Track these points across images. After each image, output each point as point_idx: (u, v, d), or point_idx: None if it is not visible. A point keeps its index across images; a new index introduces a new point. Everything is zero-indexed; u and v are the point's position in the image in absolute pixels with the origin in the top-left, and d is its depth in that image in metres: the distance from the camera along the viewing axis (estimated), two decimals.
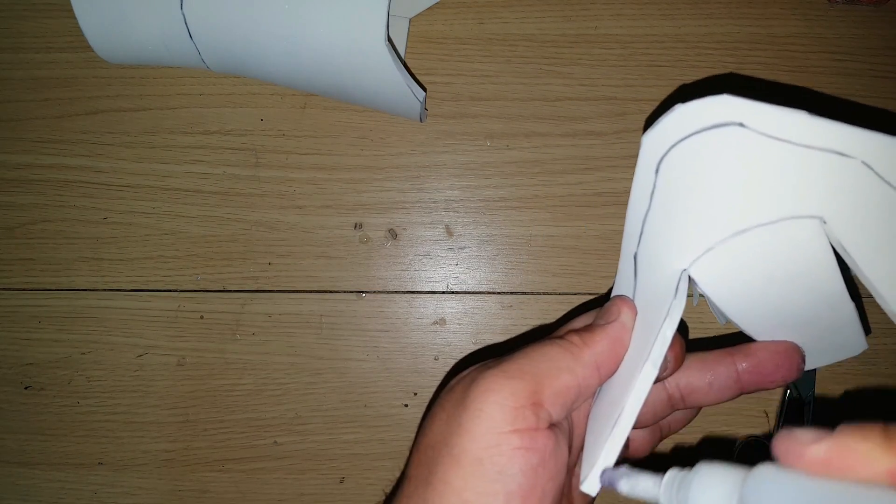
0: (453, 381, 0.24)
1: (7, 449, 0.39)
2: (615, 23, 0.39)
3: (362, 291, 0.39)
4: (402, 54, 0.39)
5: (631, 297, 0.25)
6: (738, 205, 0.21)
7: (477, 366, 0.24)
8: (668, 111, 0.20)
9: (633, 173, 0.38)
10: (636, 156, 0.36)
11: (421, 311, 0.39)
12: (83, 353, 0.39)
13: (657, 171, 0.21)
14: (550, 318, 0.38)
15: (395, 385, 0.39)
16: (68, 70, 0.39)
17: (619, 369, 0.24)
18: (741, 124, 0.20)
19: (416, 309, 0.39)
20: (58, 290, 0.39)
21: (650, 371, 0.21)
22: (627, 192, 0.38)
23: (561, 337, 0.24)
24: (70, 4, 0.34)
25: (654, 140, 0.21)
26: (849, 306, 0.23)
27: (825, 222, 0.20)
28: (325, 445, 0.39)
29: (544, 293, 0.38)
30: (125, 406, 0.39)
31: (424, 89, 0.38)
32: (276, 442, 0.39)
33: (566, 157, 0.39)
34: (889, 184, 0.20)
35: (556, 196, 0.38)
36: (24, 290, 0.39)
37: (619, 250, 0.38)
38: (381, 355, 0.39)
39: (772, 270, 0.22)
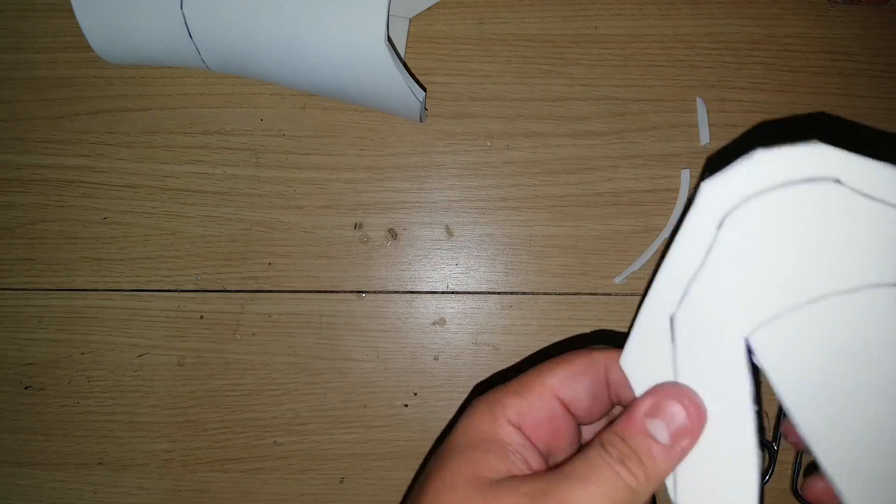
0: (464, 467, 0.22)
1: (7, 449, 0.39)
2: (615, 23, 0.39)
3: (362, 291, 0.39)
4: (402, 54, 0.39)
5: (666, 362, 0.21)
6: (816, 268, 0.18)
7: (521, 482, 0.21)
8: (744, 157, 0.17)
9: (633, 173, 0.39)
10: (636, 156, 0.36)
11: (421, 311, 0.39)
12: (83, 353, 0.39)
13: (720, 225, 0.18)
14: (550, 318, 0.38)
15: (395, 385, 0.39)
16: (68, 70, 0.39)
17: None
18: (837, 180, 0.17)
19: (416, 309, 0.39)
20: (58, 290, 0.39)
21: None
22: (628, 192, 0.38)
23: (620, 458, 0.21)
24: (70, 4, 0.34)
25: (721, 189, 0.18)
26: None
27: None
28: (325, 445, 0.39)
29: (544, 293, 0.38)
30: (125, 406, 0.39)
31: (424, 89, 0.38)
32: (276, 442, 0.39)
33: (566, 157, 0.39)
34: None
35: (556, 196, 0.38)
36: (24, 290, 0.39)
37: (619, 250, 0.38)
38: (381, 355, 0.39)
39: (846, 345, 0.19)
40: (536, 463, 0.23)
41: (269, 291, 0.39)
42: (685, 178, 0.38)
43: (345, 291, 0.39)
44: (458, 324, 0.39)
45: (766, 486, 0.38)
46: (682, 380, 0.21)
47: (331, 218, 0.39)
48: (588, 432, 0.26)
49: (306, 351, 0.39)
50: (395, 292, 0.39)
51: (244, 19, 0.34)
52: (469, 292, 0.39)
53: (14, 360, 0.39)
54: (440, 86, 0.39)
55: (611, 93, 0.39)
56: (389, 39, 0.33)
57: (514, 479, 0.21)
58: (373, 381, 0.39)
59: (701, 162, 0.39)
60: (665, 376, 0.21)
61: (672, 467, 0.21)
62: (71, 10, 0.34)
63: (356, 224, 0.39)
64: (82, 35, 0.35)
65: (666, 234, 0.38)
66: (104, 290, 0.39)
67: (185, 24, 0.34)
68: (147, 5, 0.34)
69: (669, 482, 0.21)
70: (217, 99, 0.39)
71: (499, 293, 0.39)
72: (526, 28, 0.39)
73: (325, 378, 0.39)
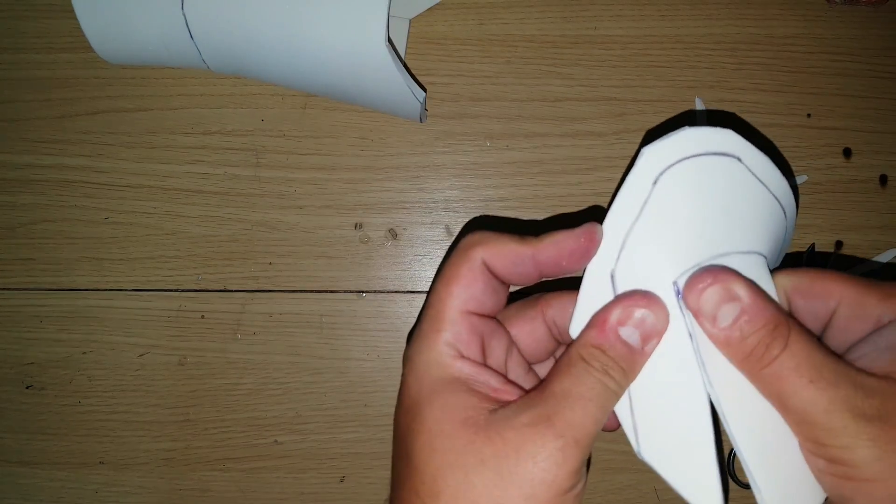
0: (446, 411, 0.22)
1: (8, 448, 0.39)
2: (615, 23, 0.39)
3: (362, 291, 0.39)
4: (402, 55, 0.39)
5: None
6: (721, 229, 0.23)
7: (516, 410, 0.22)
8: (677, 131, 0.22)
9: None
10: (636, 156, 0.36)
11: None
12: (84, 353, 0.39)
13: (655, 182, 0.22)
14: None
15: (395, 385, 0.39)
16: (69, 70, 0.39)
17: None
18: (739, 159, 0.22)
19: (416, 309, 0.39)
20: (59, 289, 0.39)
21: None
22: None
23: (603, 368, 0.22)
24: (71, 5, 0.34)
25: (657, 154, 0.22)
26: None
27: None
28: (325, 445, 0.39)
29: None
30: (126, 405, 0.39)
31: (424, 90, 0.38)
32: (276, 441, 0.39)
33: (566, 157, 0.39)
34: (783, 244, 0.26)
35: (556, 196, 0.39)
36: (25, 289, 0.39)
37: None
38: (381, 355, 0.39)
39: None
40: (498, 383, 0.23)
41: (270, 291, 0.39)
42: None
43: (345, 291, 0.39)
44: None
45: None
46: None
47: (331, 218, 0.39)
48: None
49: (306, 350, 0.39)
50: (395, 292, 0.39)
51: (245, 20, 0.34)
52: None
53: (15, 360, 0.39)
54: (440, 86, 0.39)
55: (610, 93, 0.39)
56: (389, 40, 0.33)
57: (503, 410, 0.22)
58: (373, 381, 0.39)
59: None
60: None
61: (642, 367, 0.22)
62: (71, 10, 0.34)
63: (356, 224, 0.39)
64: (83, 35, 0.35)
65: None
66: (105, 289, 0.39)
67: (186, 24, 0.34)
68: (148, 5, 0.34)
69: (631, 433, 0.23)
70: (218, 99, 0.39)
71: None
72: (526, 28, 0.39)
73: (326, 377, 0.39)
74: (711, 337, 0.22)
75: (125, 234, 0.39)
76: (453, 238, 0.39)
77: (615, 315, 0.22)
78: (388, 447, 0.39)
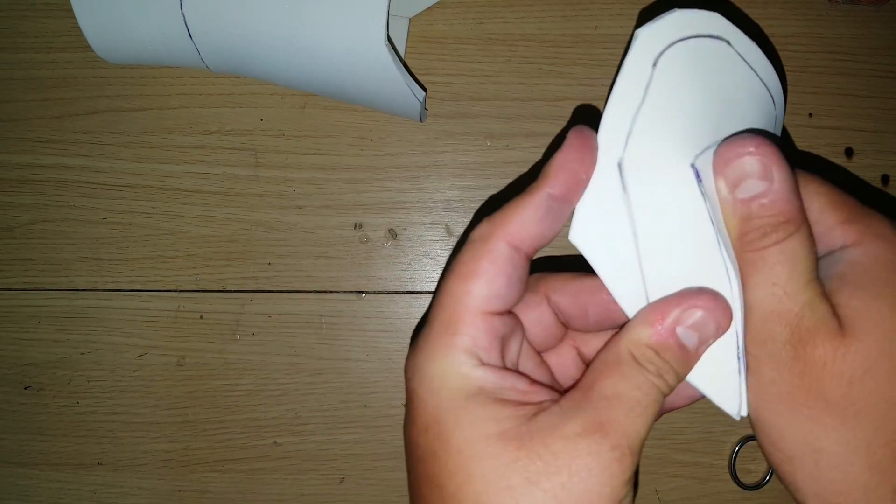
0: (473, 424, 0.20)
1: (6, 449, 0.39)
2: (615, 23, 0.39)
3: (362, 291, 0.39)
4: (402, 54, 0.39)
5: (622, 214, 0.21)
6: (720, 113, 0.22)
7: (562, 414, 0.20)
8: (667, 12, 0.21)
9: None
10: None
11: (421, 311, 0.39)
12: (83, 354, 0.39)
13: (655, 64, 0.21)
14: None
15: (395, 385, 0.39)
16: (68, 70, 0.39)
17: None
18: (728, 42, 0.22)
19: (416, 309, 0.39)
20: (57, 290, 0.39)
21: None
22: None
23: (658, 372, 0.20)
24: (70, 4, 0.34)
25: (653, 35, 0.21)
26: None
27: None
28: (324, 446, 0.39)
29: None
30: (125, 406, 0.39)
31: (424, 89, 0.38)
32: (275, 442, 0.39)
33: None
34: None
35: None
36: (23, 290, 0.39)
37: None
38: (381, 355, 0.39)
39: None
40: (524, 385, 0.21)
41: (269, 291, 0.39)
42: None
43: (345, 291, 0.39)
44: None
45: (765, 486, 0.38)
46: (640, 229, 0.21)
47: (331, 218, 0.39)
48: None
49: (306, 351, 0.39)
50: (395, 292, 0.39)
51: (244, 19, 0.34)
52: None
53: (13, 361, 0.39)
54: (440, 86, 0.39)
55: None
56: (389, 39, 0.33)
57: (542, 417, 0.20)
58: (373, 381, 0.39)
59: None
60: (622, 236, 0.21)
61: (694, 366, 0.21)
62: (70, 10, 0.34)
63: (356, 224, 0.39)
64: (82, 35, 0.35)
65: None
66: (104, 290, 0.39)
67: (185, 23, 0.34)
68: (147, 5, 0.34)
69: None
70: (217, 99, 0.39)
71: None
72: (526, 28, 0.39)
73: (325, 378, 0.39)
74: (721, 200, 0.20)
75: (124, 234, 0.39)
76: (453, 238, 0.39)
77: (674, 315, 0.20)
78: (389, 448, 0.39)
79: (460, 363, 0.21)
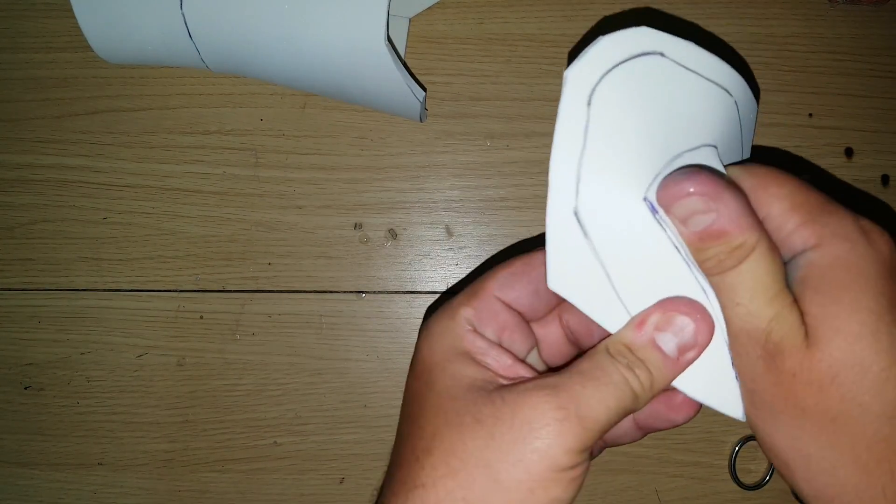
0: (454, 376, 0.22)
1: (7, 449, 0.39)
2: (615, 23, 0.39)
3: (362, 291, 0.39)
4: (402, 54, 0.39)
5: (590, 258, 0.22)
6: (667, 130, 0.21)
7: (532, 382, 0.21)
8: (592, 43, 0.20)
9: None
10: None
11: (421, 311, 0.39)
12: (83, 354, 0.39)
13: (589, 103, 0.20)
14: None
15: (395, 385, 0.39)
16: (68, 70, 0.39)
17: None
18: (662, 54, 0.21)
19: (416, 309, 0.39)
20: (57, 290, 0.39)
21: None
22: None
23: (630, 366, 0.21)
24: (70, 4, 0.34)
25: (581, 73, 0.20)
26: None
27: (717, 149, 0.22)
28: (325, 446, 0.39)
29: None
30: (125, 406, 0.39)
31: (424, 89, 0.38)
32: (275, 442, 0.39)
33: None
34: (741, 127, 0.24)
35: None
36: (23, 290, 0.39)
37: None
38: (381, 355, 0.39)
39: None
40: (511, 360, 0.23)
41: (269, 291, 0.39)
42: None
43: (345, 291, 0.39)
44: None
45: (765, 486, 0.38)
46: (610, 268, 0.21)
47: (331, 218, 0.39)
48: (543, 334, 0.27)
49: (306, 351, 0.39)
50: (395, 292, 0.39)
51: (244, 19, 0.34)
52: None
53: (14, 361, 0.39)
54: (440, 86, 0.39)
55: None
56: (389, 39, 0.33)
57: (516, 384, 0.21)
58: (373, 381, 0.39)
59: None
60: (596, 276, 0.22)
61: (675, 378, 0.21)
62: (70, 10, 0.34)
63: (356, 224, 0.39)
64: (82, 35, 0.35)
65: None
66: (104, 290, 0.39)
67: (185, 23, 0.34)
68: (147, 5, 0.34)
69: None
70: (217, 99, 0.39)
71: None
72: (526, 28, 0.39)
73: (325, 378, 0.39)
74: (679, 234, 0.21)
75: (124, 234, 0.39)
76: (453, 238, 0.39)
77: (654, 319, 0.21)
78: (389, 448, 0.38)
79: (458, 325, 0.23)
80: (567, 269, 0.21)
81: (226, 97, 0.39)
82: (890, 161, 0.39)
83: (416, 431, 0.22)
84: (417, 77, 0.39)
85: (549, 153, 0.40)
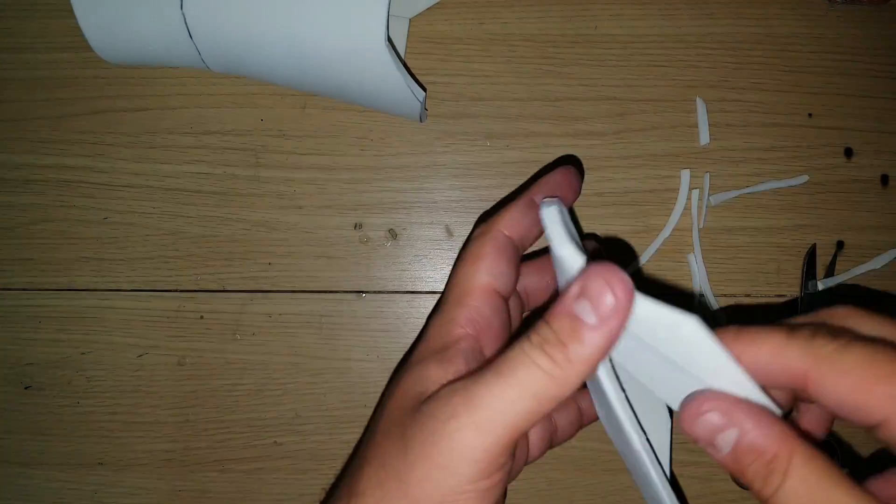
0: (408, 384, 0.23)
1: (7, 449, 0.39)
2: (615, 23, 0.39)
3: (362, 291, 0.39)
4: (402, 54, 0.39)
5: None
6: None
7: (445, 388, 0.21)
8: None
9: (633, 173, 0.39)
10: (636, 156, 0.37)
11: (421, 311, 0.39)
12: (83, 354, 0.39)
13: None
14: None
15: None
16: (68, 70, 0.39)
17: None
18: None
19: (416, 309, 0.39)
20: (58, 290, 0.39)
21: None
22: (628, 192, 0.38)
23: (540, 343, 0.19)
24: (70, 4, 0.34)
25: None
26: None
27: None
28: (325, 445, 0.39)
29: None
30: (125, 406, 0.39)
31: (424, 89, 0.38)
32: (276, 442, 0.39)
33: (566, 156, 0.39)
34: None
35: None
36: (24, 290, 0.39)
37: (619, 260, 0.38)
38: (381, 355, 0.39)
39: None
40: (476, 359, 0.23)
41: (269, 291, 0.39)
42: (685, 178, 0.38)
43: (345, 291, 0.39)
44: None
45: None
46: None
47: (331, 218, 0.39)
48: None
49: (306, 351, 0.39)
50: (395, 292, 0.39)
51: (244, 19, 0.34)
52: None
53: (14, 360, 0.39)
54: (440, 86, 0.39)
55: (611, 93, 0.39)
56: (389, 39, 0.33)
57: (445, 388, 0.21)
58: (373, 381, 0.39)
59: (701, 162, 0.39)
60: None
61: (600, 348, 0.19)
62: (71, 10, 0.34)
63: (356, 224, 0.39)
64: (82, 35, 0.35)
65: (666, 233, 0.38)
66: (104, 290, 0.39)
67: (185, 24, 0.34)
68: (147, 5, 0.34)
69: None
70: (217, 99, 0.39)
71: None
72: (526, 28, 0.39)
73: (325, 378, 0.39)
74: (720, 464, 0.20)
75: (124, 234, 0.39)
76: (453, 238, 0.39)
77: (574, 289, 0.19)
78: None
79: (453, 321, 0.24)
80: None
81: (226, 97, 0.39)
82: (890, 161, 0.39)
83: (366, 438, 0.23)
84: (417, 77, 0.39)
85: (548, 153, 0.40)
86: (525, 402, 0.19)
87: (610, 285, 0.18)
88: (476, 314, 0.24)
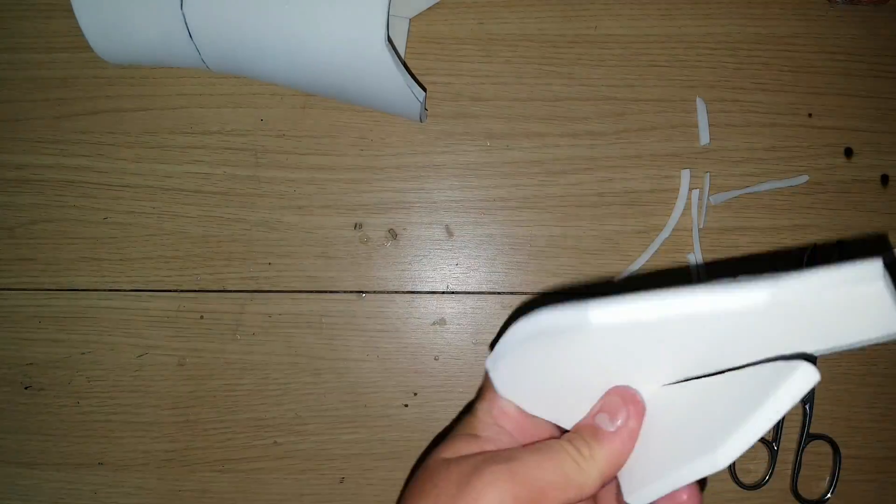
0: (446, 455, 0.24)
1: (7, 449, 0.39)
2: (615, 23, 0.39)
3: (362, 291, 0.39)
4: (402, 54, 0.39)
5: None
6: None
7: (482, 456, 0.23)
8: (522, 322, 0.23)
9: (633, 173, 0.39)
10: (636, 156, 0.37)
11: (421, 311, 0.39)
12: (83, 353, 0.39)
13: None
14: None
15: (394, 385, 0.39)
16: (68, 70, 0.39)
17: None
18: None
19: (416, 309, 0.39)
20: (58, 290, 0.39)
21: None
22: (628, 192, 0.38)
23: (568, 439, 0.24)
24: (70, 4, 0.34)
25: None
26: None
27: None
28: (325, 445, 0.39)
29: (544, 293, 0.38)
30: (125, 406, 0.39)
31: (424, 89, 0.38)
32: (275, 442, 0.39)
33: (566, 157, 0.39)
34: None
35: (556, 196, 0.38)
36: (24, 290, 0.39)
37: (619, 251, 0.38)
38: (381, 355, 0.39)
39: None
40: (506, 439, 0.25)
41: (269, 291, 0.39)
42: (685, 178, 0.38)
43: (345, 291, 0.39)
44: (458, 324, 0.39)
45: (765, 486, 0.38)
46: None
47: (331, 218, 0.39)
48: None
49: (306, 351, 0.39)
50: (395, 292, 0.39)
51: (244, 19, 0.34)
52: (469, 292, 0.39)
53: (14, 361, 0.39)
54: (440, 86, 0.39)
55: (611, 93, 0.39)
56: (389, 39, 0.33)
57: (480, 455, 0.23)
58: (373, 381, 0.39)
59: (701, 162, 0.39)
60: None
61: (621, 448, 0.23)
62: (71, 10, 0.34)
63: (356, 224, 0.39)
64: (82, 35, 0.35)
65: (666, 233, 0.38)
66: (104, 290, 0.39)
67: (185, 24, 0.34)
68: (147, 5, 0.34)
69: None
70: (217, 99, 0.39)
71: (499, 293, 0.39)
72: (526, 28, 0.39)
73: (325, 378, 0.39)
74: None
75: (124, 234, 0.39)
76: (453, 238, 0.39)
77: (596, 408, 0.24)
78: (388, 448, 0.39)
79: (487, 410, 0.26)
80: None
81: (226, 97, 0.39)
82: (890, 161, 0.39)
83: (408, 486, 0.25)
84: (417, 77, 0.39)
85: (548, 153, 0.40)
86: (556, 474, 0.22)
87: (623, 399, 0.24)
88: (503, 410, 0.26)
